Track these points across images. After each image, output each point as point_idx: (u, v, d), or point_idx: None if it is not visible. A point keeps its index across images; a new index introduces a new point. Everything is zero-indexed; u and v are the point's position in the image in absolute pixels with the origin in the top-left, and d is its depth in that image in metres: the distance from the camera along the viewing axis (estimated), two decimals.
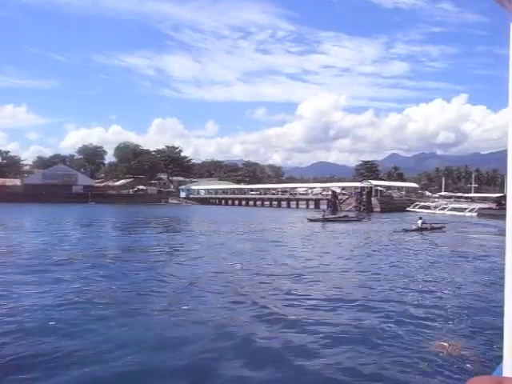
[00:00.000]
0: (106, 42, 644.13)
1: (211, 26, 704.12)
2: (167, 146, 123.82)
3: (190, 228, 33.14)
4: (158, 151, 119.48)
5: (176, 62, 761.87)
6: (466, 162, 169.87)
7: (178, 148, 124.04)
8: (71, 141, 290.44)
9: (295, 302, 9.92)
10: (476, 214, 46.39)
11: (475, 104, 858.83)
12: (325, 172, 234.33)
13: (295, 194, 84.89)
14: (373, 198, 59.14)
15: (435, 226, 29.59)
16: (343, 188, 73.10)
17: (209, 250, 19.19)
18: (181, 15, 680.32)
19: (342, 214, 40.96)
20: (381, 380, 5.94)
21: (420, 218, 29.94)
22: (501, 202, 52.20)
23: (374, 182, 69.42)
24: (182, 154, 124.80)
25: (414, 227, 28.40)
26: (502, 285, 1.01)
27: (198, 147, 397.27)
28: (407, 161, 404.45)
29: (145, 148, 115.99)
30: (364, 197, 58.07)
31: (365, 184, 65.54)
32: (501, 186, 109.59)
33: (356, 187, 67.80)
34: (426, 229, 28.33)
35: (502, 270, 1.02)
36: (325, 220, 36.10)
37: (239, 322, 8.34)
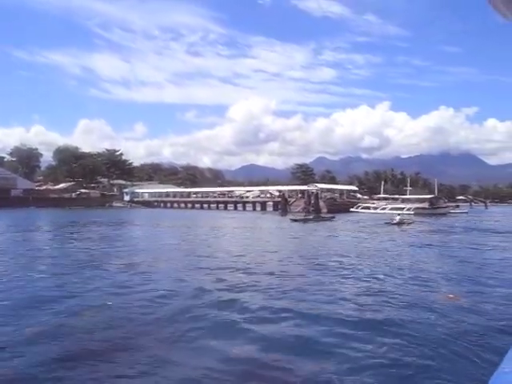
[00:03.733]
0: (27, 37, 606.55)
1: (141, 25, 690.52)
2: (107, 150, 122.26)
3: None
4: (99, 154, 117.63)
5: (104, 61, 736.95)
6: (388, 166, 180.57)
7: (118, 151, 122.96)
8: None
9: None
10: (413, 212, 53.15)
11: (397, 111, 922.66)
12: (255, 174, 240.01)
13: (239, 196, 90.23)
14: (320, 200, 64.58)
15: (407, 221, 36.07)
16: (280, 191, 78.69)
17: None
18: (110, 13, 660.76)
19: (294, 216, 44.27)
20: (405, 320, 8.68)
21: (398, 215, 36.69)
22: (432, 202, 60.29)
23: (320, 186, 75.32)
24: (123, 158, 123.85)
25: (394, 222, 34.41)
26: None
27: (127, 149, 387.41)
28: (334, 164, 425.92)
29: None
30: (312, 199, 63.23)
31: (311, 187, 71.08)
32: (422, 187, 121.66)
33: (302, 190, 73.33)
34: (403, 223, 34.41)
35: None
36: (306, 220, 40.43)
37: None
